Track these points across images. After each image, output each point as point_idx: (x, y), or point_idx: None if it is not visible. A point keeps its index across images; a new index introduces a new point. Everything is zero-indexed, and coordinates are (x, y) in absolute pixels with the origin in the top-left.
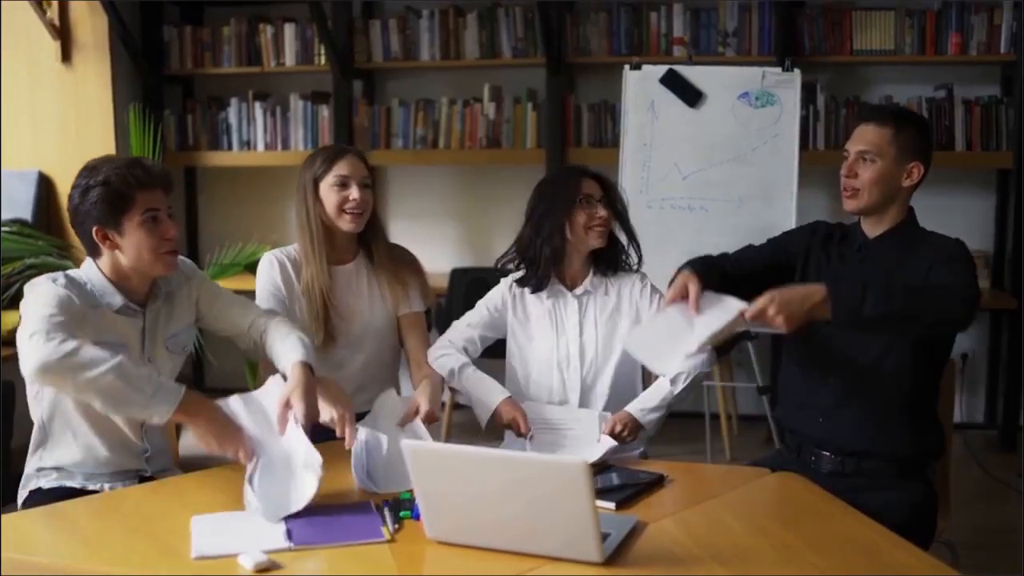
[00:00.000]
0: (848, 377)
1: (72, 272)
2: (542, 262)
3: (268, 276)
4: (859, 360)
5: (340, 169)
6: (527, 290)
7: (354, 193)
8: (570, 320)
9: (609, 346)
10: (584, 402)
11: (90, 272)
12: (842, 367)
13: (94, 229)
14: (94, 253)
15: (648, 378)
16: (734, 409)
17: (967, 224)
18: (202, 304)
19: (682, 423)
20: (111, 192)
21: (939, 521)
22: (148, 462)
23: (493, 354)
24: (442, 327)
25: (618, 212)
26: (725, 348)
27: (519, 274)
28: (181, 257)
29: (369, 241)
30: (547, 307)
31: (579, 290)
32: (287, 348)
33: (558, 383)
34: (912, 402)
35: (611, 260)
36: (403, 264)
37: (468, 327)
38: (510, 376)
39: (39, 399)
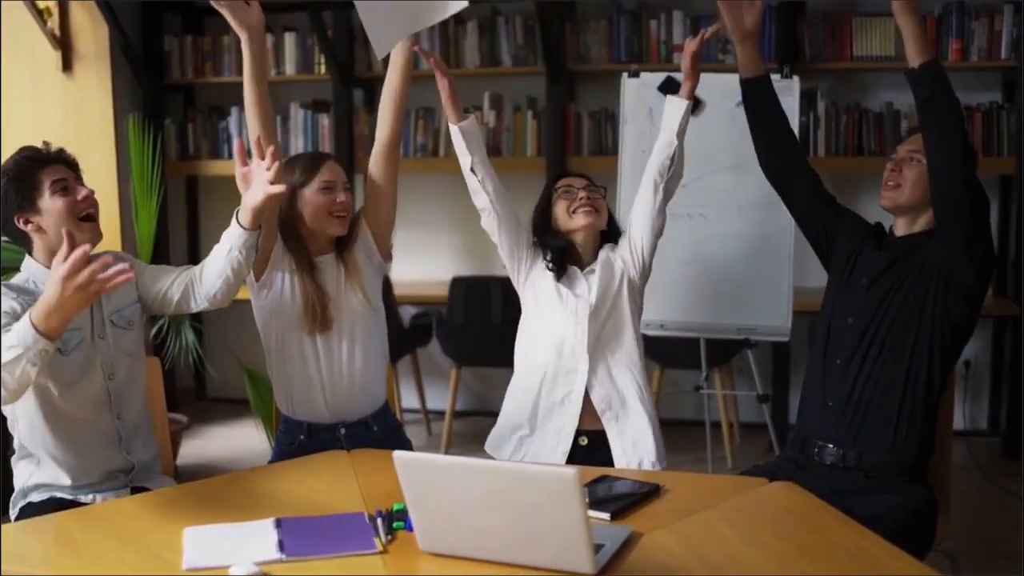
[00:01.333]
0: (865, 371)
1: (12, 280)
2: (554, 255)
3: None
4: (879, 355)
5: (324, 175)
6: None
7: (340, 197)
8: (579, 288)
9: (611, 305)
10: (594, 357)
11: (28, 266)
12: (861, 360)
13: (16, 218)
14: (28, 246)
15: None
16: (735, 417)
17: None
18: (141, 283)
19: (683, 431)
20: (14, 178)
21: (939, 528)
22: (135, 478)
23: (494, 363)
24: (443, 337)
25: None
26: (727, 355)
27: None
28: (116, 251)
29: (344, 237)
30: (559, 286)
31: (588, 269)
32: (223, 236)
33: (569, 344)
34: (922, 404)
35: (614, 237)
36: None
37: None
38: (522, 342)
39: (13, 417)
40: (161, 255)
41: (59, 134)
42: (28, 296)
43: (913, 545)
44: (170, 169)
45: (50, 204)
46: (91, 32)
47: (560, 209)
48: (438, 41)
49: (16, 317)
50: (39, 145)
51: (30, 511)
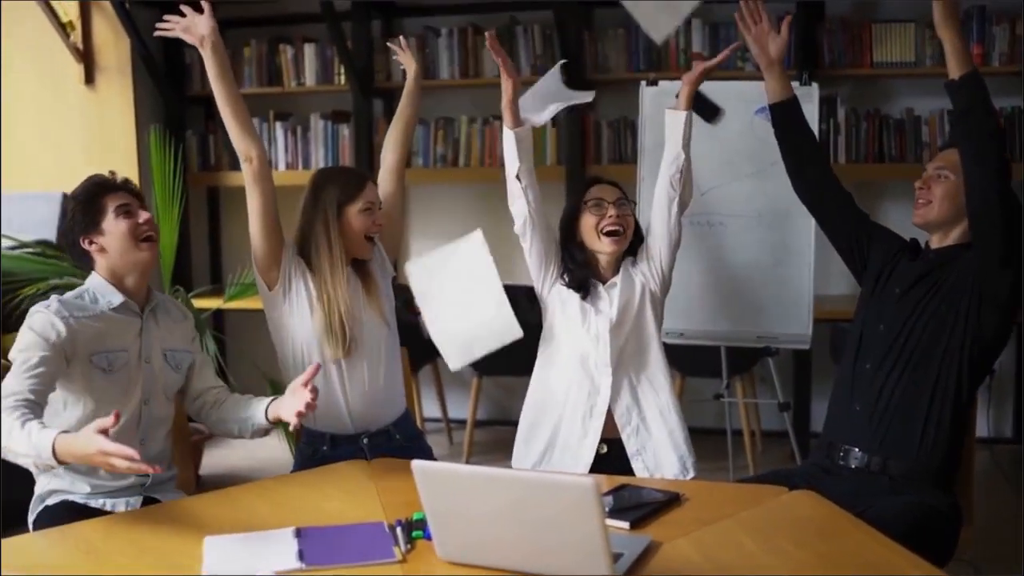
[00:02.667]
0: (894, 377)
1: (74, 291)
2: (576, 266)
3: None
4: (909, 362)
5: (368, 196)
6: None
7: (379, 220)
8: (601, 303)
9: (634, 322)
10: (617, 372)
11: (91, 280)
12: (891, 367)
13: (81, 239)
14: (90, 264)
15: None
16: (757, 425)
17: None
18: (193, 349)
19: (704, 440)
20: (81, 203)
21: (962, 537)
22: (149, 489)
23: (516, 372)
24: None
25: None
26: (748, 363)
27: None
28: (175, 301)
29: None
30: (581, 301)
31: (609, 283)
32: (254, 402)
33: (592, 359)
34: (950, 412)
35: (638, 244)
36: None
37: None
38: (546, 352)
39: None
40: (183, 266)
41: (82, 146)
42: (80, 312)
43: (933, 549)
44: (192, 180)
45: (113, 226)
46: (113, 45)
47: (588, 224)
48: (457, 51)
49: (49, 343)
50: (105, 174)
51: (45, 516)
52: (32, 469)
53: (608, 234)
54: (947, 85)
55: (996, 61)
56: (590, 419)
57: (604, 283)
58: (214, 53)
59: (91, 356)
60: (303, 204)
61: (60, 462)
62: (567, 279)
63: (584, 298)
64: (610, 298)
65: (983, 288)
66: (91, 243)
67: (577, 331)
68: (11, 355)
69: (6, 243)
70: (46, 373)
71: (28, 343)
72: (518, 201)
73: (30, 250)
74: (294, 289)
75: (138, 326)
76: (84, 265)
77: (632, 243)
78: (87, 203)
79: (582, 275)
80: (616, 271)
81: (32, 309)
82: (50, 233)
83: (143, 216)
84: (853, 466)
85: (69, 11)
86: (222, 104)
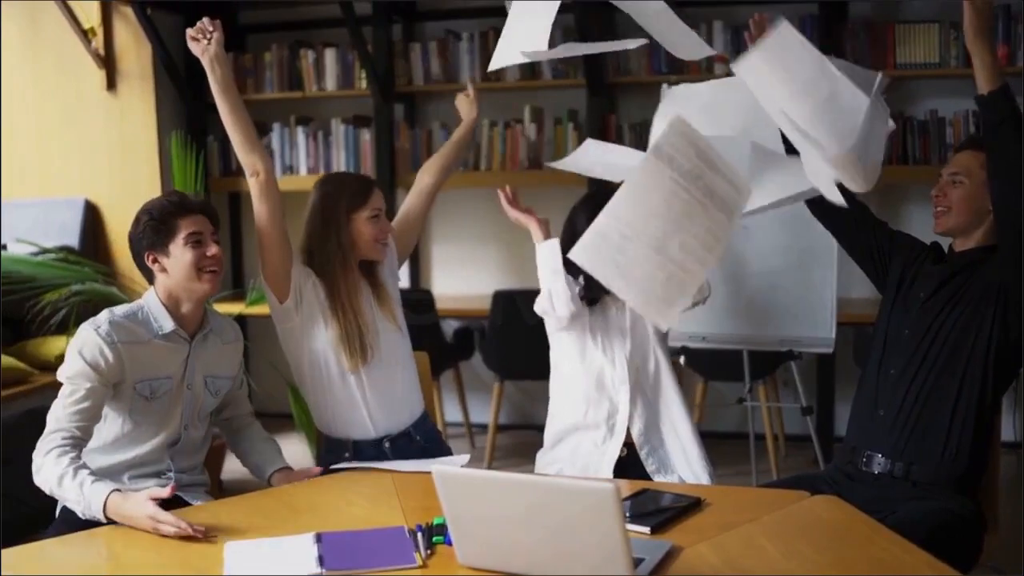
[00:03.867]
0: (918, 383)
1: (128, 309)
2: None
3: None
4: (933, 367)
5: (376, 203)
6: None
7: (386, 226)
8: (613, 325)
9: (642, 339)
10: (635, 387)
11: (149, 298)
12: (915, 372)
13: (146, 255)
14: (151, 279)
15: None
16: (780, 430)
17: None
18: (236, 374)
19: (727, 444)
20: (156, 221)
21: (987, 543)
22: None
23: (537, 376)
24: (485, 350)
25: None
26: (771, 367)
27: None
28: (232, 322)
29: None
30: (597, 315)
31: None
32: (267, 456)
33: (609, 376)
34: (974, 418)
35: None
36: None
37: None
38: (562, 370)
39: None
40: None
41: (104, 152)
42: (130, 337)
43: (956, 555)
44: (213, 185)
45: (180, 253)
46: (135, 51)
47: None
48: (478, 55)
49: (98, 369)
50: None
51: (70, 512)
52: (73, 507)
53: None
54: (978, 99)
55: (1021, 61)
56: (611, 439)
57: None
58: (216, 66)
59: (136, 384)
60: (309, 213)
61: (107, 520)
62: (585, 293)
63: (592, 306)
64: (622, 315)
65: (1008, 294)
66: (155, 261)
67: (595, 351)
68: (59, 375)
69: (29, 249)
70: (92, 407)
71: (76, 371)
72: (566, 305)
73: (52, 256)
74: (305, 301)
75: (186, 352)
76: (147, 278)
77: None
78: (160, 221)
79: (599, 289)
80: None
81: (83, 327)
82: (73, 239)
83: (212, 249)
84: (876, 472)
85: (91, 17)
86: (226, 118)
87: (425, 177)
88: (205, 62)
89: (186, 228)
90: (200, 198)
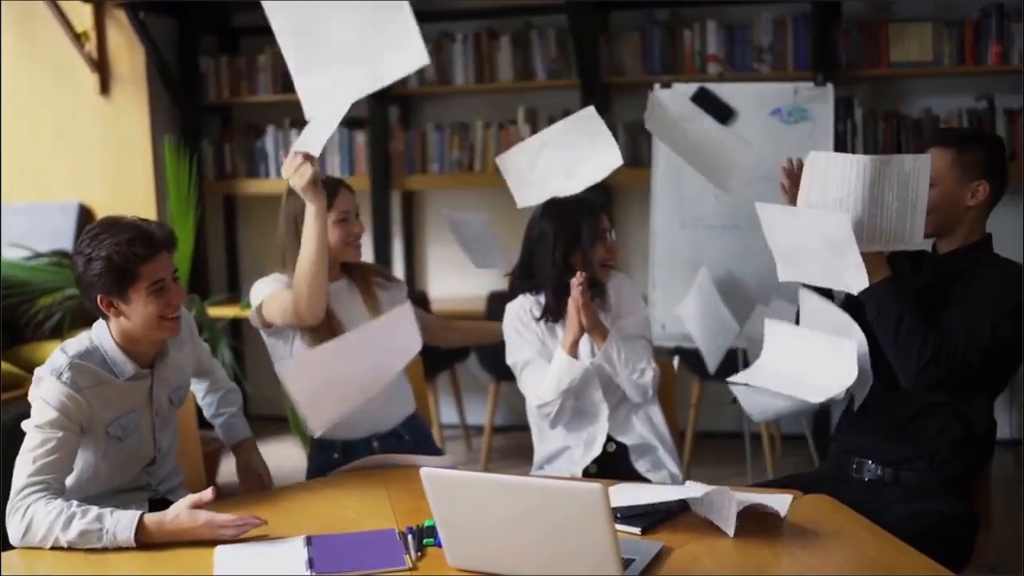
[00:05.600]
0: (906, 393)
1: (82, 347)
2: (562, 293)
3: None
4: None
5: (342, 205)
6: (545, 320)
7: (355, 227)
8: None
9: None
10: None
11: (102, 338)
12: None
13: (98, 298)
14: (103, 316)
15: None
16: (776, 429)
17: (1013, 235)
18: (200, 361)
19: (723, 444)
20: (114, 267)
21: (981, 542)
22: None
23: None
24: (480, 352)
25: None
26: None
27: (525, 302)
28: (184, 312)
29: (350, 261)
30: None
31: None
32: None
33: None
34: (967, 423)
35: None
36: (377, 275)
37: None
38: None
39: None
40: (199, 274)
41: (98, 156)
42: (92, 381)
43: (946, 556)
44: (208, 189)
45: (142, 303)
46: (128, 55)
47: (599, 255)
48: (472, 56)
49: (69, 416)
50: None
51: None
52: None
53: (605, 266)
54: (860, 296)
55: (1015, 59)
56: (591, 448)
57: None
58: (314, 197)
59: (107, 427)
60: (280, 220)
61: (139, 546)
62: (550, 316)
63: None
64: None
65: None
66: (110, 306)
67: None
68: (26, 425)
69: (23, 253)
70: (65, 457)
71: (46, 420)
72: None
73: (46, 260)
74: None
75: (148, 382)
76: (97, 313)
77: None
78: (118, 269)
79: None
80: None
81: (44, 376)
82: (66, 243)
83: (174, 296)
84: (867, 479)
85: (84, 21)
86: (312, 256)
87: (450, 330)
88: (307, 194)
89: (149, 276)
90: (161, 228)
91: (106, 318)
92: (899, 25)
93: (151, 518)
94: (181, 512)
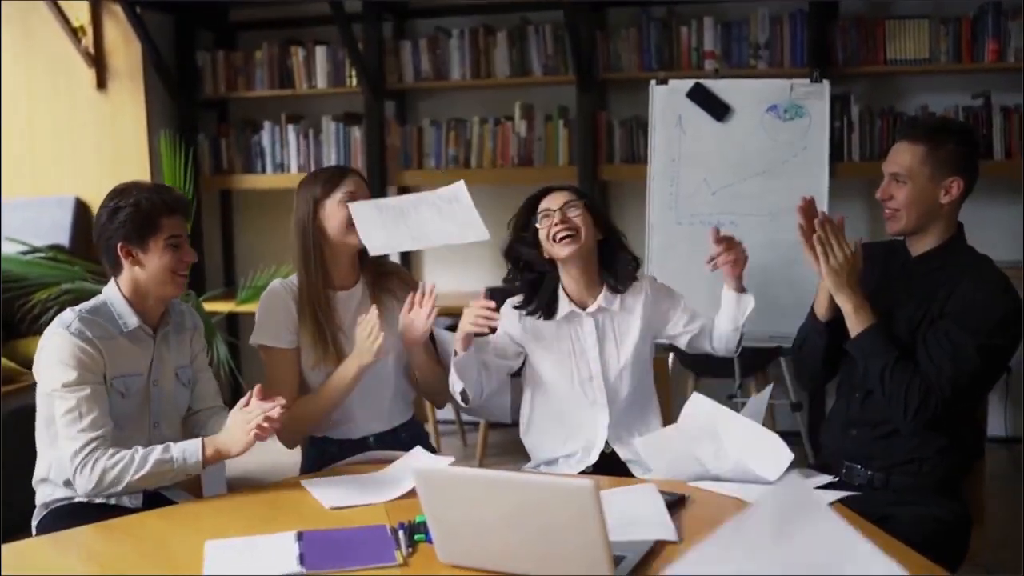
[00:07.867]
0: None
1: (90, 302)
2: (540, 287)
3: (283, 305)
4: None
5: (348, 186)
6: (538, 317)
7: None
8: (588, 340)
9: (629, 360)
10: (610, 414)
11: (110, 293)
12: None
13: (119, 245)
14: (115, 269)
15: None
16: (771, 426)
17: (1009, 234)
18: (195, 362)
19: None
20: (141, 215)
21: (974, 540)
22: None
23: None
24: None
25: (598, 218)
26: (761, 363)
27: (516, 300)
28: (191, 309)
29: (369, 264)
30: (563, 331)
31: (592, 308)
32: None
33: (583, 403)
34: (956, 424)
35: (620, 275)
36: (399, 282)
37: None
38: (525, 398)
39: (45, 446)
40: (196, 269)
41: (94, 151)
42: (100, 332)
43: (943, 558)
44: (204, 183)
45: (159, 253)
46: (124, 50)
47: (542, 236)
48: (468, 52)
49: (84, 365)
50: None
51: (48, 519)
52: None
53: (561, 239)
54: (849, 345)
55: (1012, 56)
56: (588, 456)
57: (584, 308)
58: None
59: (112, 380)
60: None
61: (206, 463)
62: (531, 305)
63: (557, 319)
64: (598, 327)
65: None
66: (129, 255)
67: (562, 375)
68: (50, 387)
69: (19, 248)
70: (105, 407)
71: (71, 380)
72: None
73: (42, 255)
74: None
75: (150, 349)
76: (109, 265)
77: (610, 238)
78: (144, 216)
79: (552, 299)
80: (597, 294)
81: (53, 331)
82: (63, 238)
83: (189, 256)
84: (856, 483)
85: (80, 16)
86: (320, 410)
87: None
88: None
89: (169, 229)
90: (184, 196)
91: (118, 271)
92: (896, 22)
93: (208, 440)
94: (230, 428)
